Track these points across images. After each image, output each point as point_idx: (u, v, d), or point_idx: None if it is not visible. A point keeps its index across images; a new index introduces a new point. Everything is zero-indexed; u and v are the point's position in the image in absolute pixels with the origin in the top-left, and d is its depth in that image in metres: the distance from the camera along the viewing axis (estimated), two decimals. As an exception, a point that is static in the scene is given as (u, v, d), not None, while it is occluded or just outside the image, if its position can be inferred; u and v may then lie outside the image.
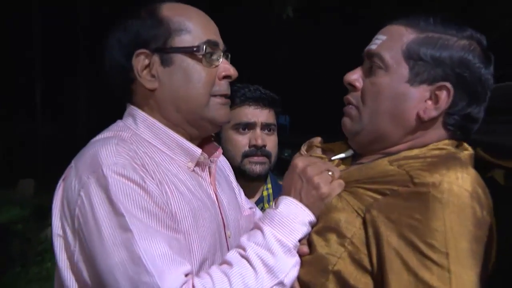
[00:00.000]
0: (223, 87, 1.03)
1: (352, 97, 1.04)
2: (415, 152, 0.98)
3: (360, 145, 1.06)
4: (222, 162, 1.26)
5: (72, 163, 0.97)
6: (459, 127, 1.00)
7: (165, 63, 0.99)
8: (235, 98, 1.52)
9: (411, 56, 0.97)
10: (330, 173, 0.99)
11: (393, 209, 0.87)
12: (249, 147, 1.56)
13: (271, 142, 1.59)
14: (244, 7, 7.26)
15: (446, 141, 1.00)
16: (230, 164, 1.48)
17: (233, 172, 1.33)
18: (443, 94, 0.96)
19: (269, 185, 1.68)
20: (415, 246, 0.84)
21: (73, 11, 9.22)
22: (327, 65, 8.31)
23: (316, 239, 0.96)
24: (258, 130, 1.57)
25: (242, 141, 1.56)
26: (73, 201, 0.91)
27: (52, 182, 1.14)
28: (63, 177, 0.98)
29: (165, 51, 0.98)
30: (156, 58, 0.99)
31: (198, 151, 1.04)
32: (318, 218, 0.98)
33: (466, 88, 0.97)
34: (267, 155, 1.58)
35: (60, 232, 0.95)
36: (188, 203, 0.99)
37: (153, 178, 0.94)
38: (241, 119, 1.56)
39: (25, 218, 5.54)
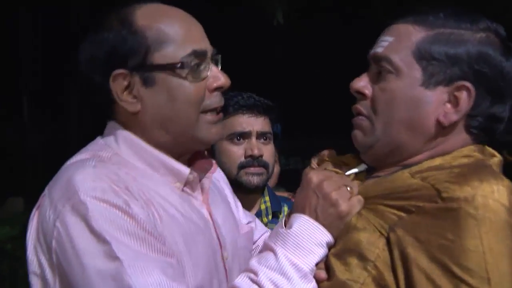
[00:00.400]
0: (215, 99, 0.94)
1: (361, 106, 0.95)
2: (438, 161, 0.90)
3: (375, 159, 0.97)
4: (216, 174, 1.18)
5: (46, 191, 0.88)
6: (483, 129, 0.91)
7: (146, 83, 0.89)
8: (228, 107, 1.45)
9: (422, 56, 0.89)
10: (348, 188, 0.90)
11: (421, 228, 0.80)
12: (245, 157, 1.49)
13: (267, 151, 1.52)
14: (244, 7, 7.29)
15: (472, 147, 0.91)
16: (226, 176, 1.41)
17: (228, 184, 1.25)
18: (463, 95, 0.88)
19: (267, 198, 1.60)
20: (449, 270, 0.76)
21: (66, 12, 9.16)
22: (326, 66, 8.28)
23: (334, 262, 0.87)
24: (253, 139, 1.50)
25: (238, 151, 1.49)
26: (49, 233, 0.82)
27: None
28: (36, 205, 0.90)
29: (145, 69, 0.88)
30: (136, 78, 0.89)
31: (186, 170, 0.94)
32: (336, 239, 0.90)
33: (488, 86, 0.88)
34: (264, 165, 1.51)
35: (37, 269, 0.87)
36: (178, 227, 0.90)
37: (137, 200, 0.85)
38: (235, 128, 1.49)
39: (15, 236, 5.35)
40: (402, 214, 0.83)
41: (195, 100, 0.91)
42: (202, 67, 0.91)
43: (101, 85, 0.89)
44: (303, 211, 0.91)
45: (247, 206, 1.51)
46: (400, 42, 0.91)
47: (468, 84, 0.87)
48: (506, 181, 0.82)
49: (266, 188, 1.62)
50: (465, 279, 0.75)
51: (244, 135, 1.50)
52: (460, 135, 0.91)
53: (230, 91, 1.40)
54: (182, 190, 0.96)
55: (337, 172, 0.98)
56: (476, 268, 0.74)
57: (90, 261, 0.78)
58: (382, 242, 0.83)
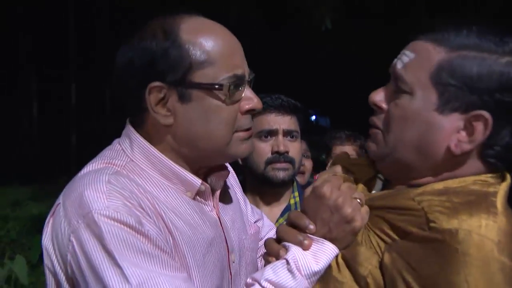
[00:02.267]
0: (246, 121, 0.93)
1: (377, 119, 0.92)
2: (443, 184, 0.85)
3: (385, 172, 0.96)
4: None
5: (60, 199, 0.87)
6: (500, 159, 0.84)
7: (183, 99, 0.87)
8: None
9: (440, 80, 0.82)
10: (358, 200, 0.87)
11: (412, 254, 0.77)
12: (272, 153, 1.56)
13: (294, 148, 1.59)
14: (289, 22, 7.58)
15: (489, 174, 0.85)
16: (254, 171, 1.54)
17: (238, 181, 1.25)
18: (479, 125, 0.81)
19: (296, 193, 1.69)
20: None
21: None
22: (366, 68, 8.50)
23: (333, 264, 0.87)
24: (280, 136, 1.58)
25: (265, 148, 1.57)
26: (64, 246, 0.82)
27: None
28: (51, 212, 0.89)
29: (184, 85, 0.87)
30: (173, 92, 0.87)
31: (198, 182, 0.94)
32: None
33: (509, 116, 0.81)
34: (290, 161, 1.58)
35: (52, 269, 0.87)
36: (188, 240, 0.90)
37: (150, 217, 0.85)
38: (263, 126, 1.57)
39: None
40: (396, 236, 0.82)
41: (228, 121, 0.90)
42: (238, 91, 0.90)
43: (135, 92, 0.88)
44: (314, 222, 0.88)
45: (275, 200, 1.64)
46: (419, 61, 0.85)
47: (486, 114, 0.80)
48: (501, 217, 0.77)
49: (295, 183, 1.70)
50: None
51: (271, 133, 1.58)
52: (474, 164, 0.85)
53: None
54: (194, 199, 0.96)
55: (345, 179, 0.94)
56: None
57: (103, 279, 0.78)
58: (375, 260, 0.82)
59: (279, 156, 1.56)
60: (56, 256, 0.85)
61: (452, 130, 0.83)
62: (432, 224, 0.77)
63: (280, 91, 1.69)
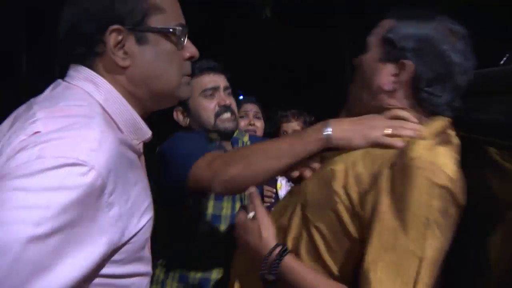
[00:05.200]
0: (188, 67, 1.03)
1: (353, 74, 1.21)
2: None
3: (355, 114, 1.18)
4: None
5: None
6: (425, 100, 1.09)
7: (140, 41, 0.93)
8: (193, 69, 1.62)
9: (385, 38, 1.11)
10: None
11: (387, 180, 0.98)
12: (219, 107, 1.77)
13: (233, 101, 1.84)
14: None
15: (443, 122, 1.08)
16: (204, 127, 1.76)
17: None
18: (400, 70, 1.08)
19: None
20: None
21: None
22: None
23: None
24: (221, 92, 1.80)
25: (211, 104, 1.77)
26: None
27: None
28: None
29: (141, 29, 0.92)
30: (130, 36, 0.92)
31: (149, 133, 0.99)
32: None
33: (428, 67, 1.06)
34: (234, 113, 1.81)
35: None
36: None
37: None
38: (206, 85, 1.78)
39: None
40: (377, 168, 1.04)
41: (179, 64, 0.99)
42: (183, 38, 0.98)
43: (91, 37, 0.91)
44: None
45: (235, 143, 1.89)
46: (379, 30, 1.15)
47: (408, 62, 1.07)
48: (456, 147, 1.04)
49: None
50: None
51: (215, 90, 1.78)
52: (410, 106, 1.11)
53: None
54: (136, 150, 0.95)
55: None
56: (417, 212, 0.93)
57: None
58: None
59: (226, 108, 1.77)
60: None
61: (386, 74, 1.10)
62: (409, 153, 0.97)
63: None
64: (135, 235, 0.86)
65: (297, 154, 1.17)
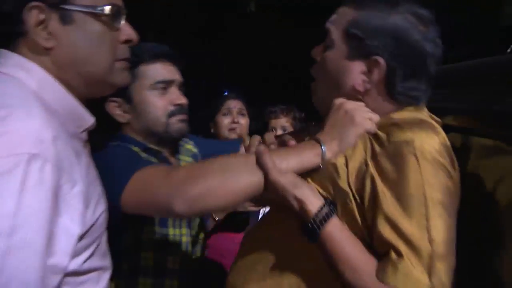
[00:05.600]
0: (125, 51, 0.95)
1: (313, 69, 1.12)
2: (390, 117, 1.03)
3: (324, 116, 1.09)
4: None
5: None
6: (404, 96, 1.03)
7: (64, 21, 0.85)
8: (142, 54, 1.39)
9: (349, 33, 1.02)
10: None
11: (382, 167, 0.95)
12: (173, 106, 1.43)
13: (186, 100, 1.47)
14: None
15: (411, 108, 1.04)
16: (152, 128, 1.41)
17: None
18: (375, 68, 1.01)
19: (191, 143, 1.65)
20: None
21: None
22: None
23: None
24: (175, 88, 1.45)
25: (163, 100, 1.42)
26: None
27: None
28: None
29: (65, 8, 0.85)
30: (53, 14, 0.85)
31: (91, 120, 0.93)
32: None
33: (401, 61, 1.00)
34: (187, 114, 1.47)
35: None
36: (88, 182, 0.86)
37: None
38: (159, 77, 1.42)
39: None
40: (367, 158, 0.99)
41: (110, 46, 0.91)
42: (117, 19, 0.91)
43: (10, 15, 0.84)
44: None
45: (176, 153, 1.54)
46: (338, 21, 1.05)
47: (380, 59, 0.99)
48: (441, 133, 0.97)
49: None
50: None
51: (168, 84, 1.43)
52: (385, 101, 1.04)
53: None
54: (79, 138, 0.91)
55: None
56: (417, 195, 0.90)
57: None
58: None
59: (181, 109, 1.44)
60: None
61: (357, 73, 1.02)
62: (392, 139, 0.94)
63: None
64: (92, 226, 0.84)
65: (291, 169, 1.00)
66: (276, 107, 2.69)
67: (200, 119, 2.44)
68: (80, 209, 0.80)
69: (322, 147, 1.00)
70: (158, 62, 1.43)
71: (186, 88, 1.49)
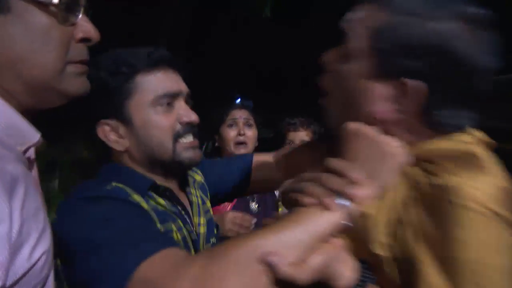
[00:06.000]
0: (81, 52, 0.77)
1: (324, 80, 0.88)
2: (422, 148, 0.79)
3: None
4: None
5: None
6: (447, 125, 0.78)
7: None
8: (137, 62, 1.08)
9: (377, 45, 0.77)
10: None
11: (416, 219, 0.73)
12: (181, 125, 1.09)
13: (196, 117, 1.12)
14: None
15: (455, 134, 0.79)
16: (156, 155, 1.08)
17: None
18: (408, 93, 0.76)
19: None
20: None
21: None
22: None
23: None
24: (183, 102, 1.11)
25: (171, 118, 1.09)
26: None
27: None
28: None
29: None
30: None
31: (36, 136, 0.76)
32: None
33: (443, 86, 0.75)
34: (197, 135, 1.13)
35: None
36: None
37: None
38: (160, 90, 1.08)
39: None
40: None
41: (58, 45, 0.73)
42: (72, 11, 0.74)
43: None
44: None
45: (186, 185, 1.21)
46: (361, 24, 0.80)
47: (414, 82, 0.75)
48: (488, 171, 0.73)
49: None
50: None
51: (174, 97, 1.10)
52: (416, 130, 0.80)
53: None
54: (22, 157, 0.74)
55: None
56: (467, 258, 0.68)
57: None
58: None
59: (190, 128, 1.10)
60: None
61: (382, 98, 0.78)
62: (429, 181, 0.73)
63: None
64: (27, 272, 0.65)
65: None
66: (295, 119, 2.53)
67: (203, 131, 2.20)
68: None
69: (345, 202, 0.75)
70: (158, 71, 1.09)
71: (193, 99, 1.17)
